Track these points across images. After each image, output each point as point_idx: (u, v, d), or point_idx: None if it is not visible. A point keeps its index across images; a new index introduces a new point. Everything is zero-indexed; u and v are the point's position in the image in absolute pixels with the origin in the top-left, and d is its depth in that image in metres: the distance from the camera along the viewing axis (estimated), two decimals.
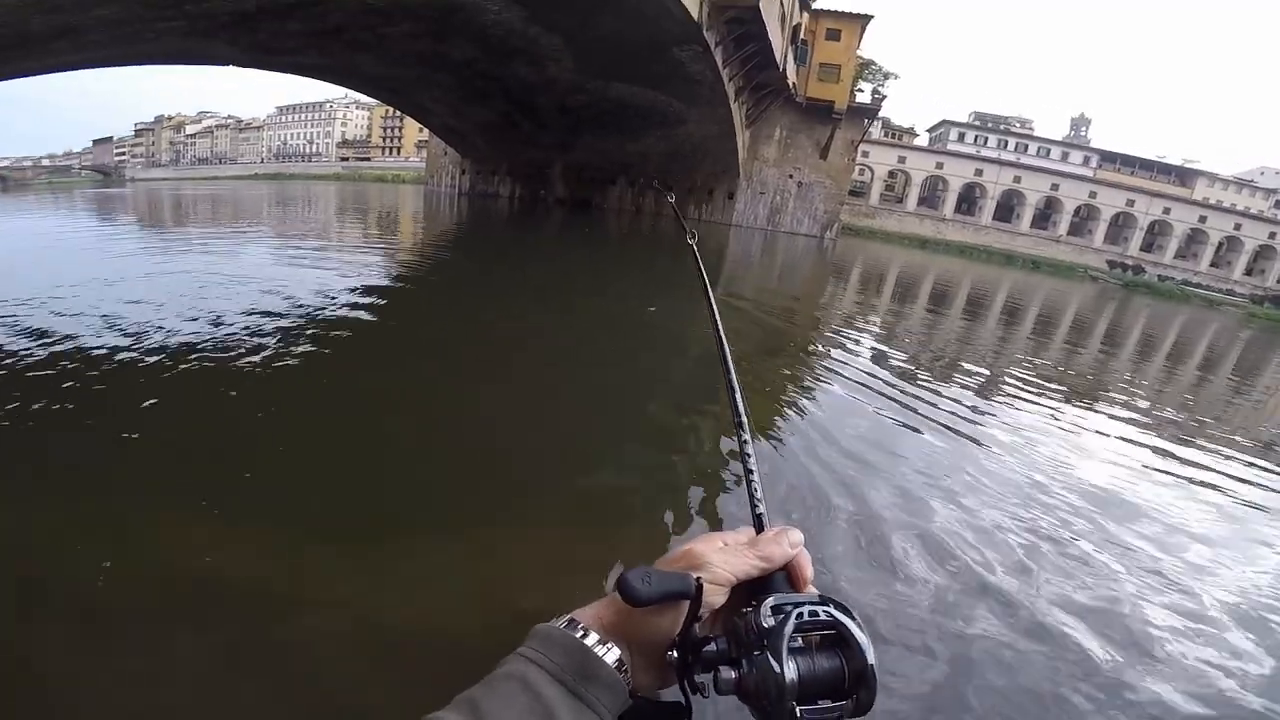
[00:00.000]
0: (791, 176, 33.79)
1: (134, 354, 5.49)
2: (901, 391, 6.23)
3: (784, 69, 26.97)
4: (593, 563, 3.07)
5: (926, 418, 5.53)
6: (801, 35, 29.91)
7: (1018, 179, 51.02)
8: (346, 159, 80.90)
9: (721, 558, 0.56)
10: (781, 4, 24.16)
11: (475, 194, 40.38)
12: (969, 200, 52.65)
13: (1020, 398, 6.92)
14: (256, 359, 5.52)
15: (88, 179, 62.77)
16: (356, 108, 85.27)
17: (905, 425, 5.28)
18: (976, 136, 61.52)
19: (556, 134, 31.01)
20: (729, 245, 24.24)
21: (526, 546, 3.20)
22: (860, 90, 34.83)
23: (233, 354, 5.60)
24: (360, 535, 3.15)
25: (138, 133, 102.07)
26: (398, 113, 58.52)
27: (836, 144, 32.98)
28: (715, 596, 0.54)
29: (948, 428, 5.37)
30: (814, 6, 30.98)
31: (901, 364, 7.65)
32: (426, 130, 42.39)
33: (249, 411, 4.60)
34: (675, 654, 0.53)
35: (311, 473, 3.77)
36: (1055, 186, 51.04)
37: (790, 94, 30.64)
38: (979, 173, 51.49)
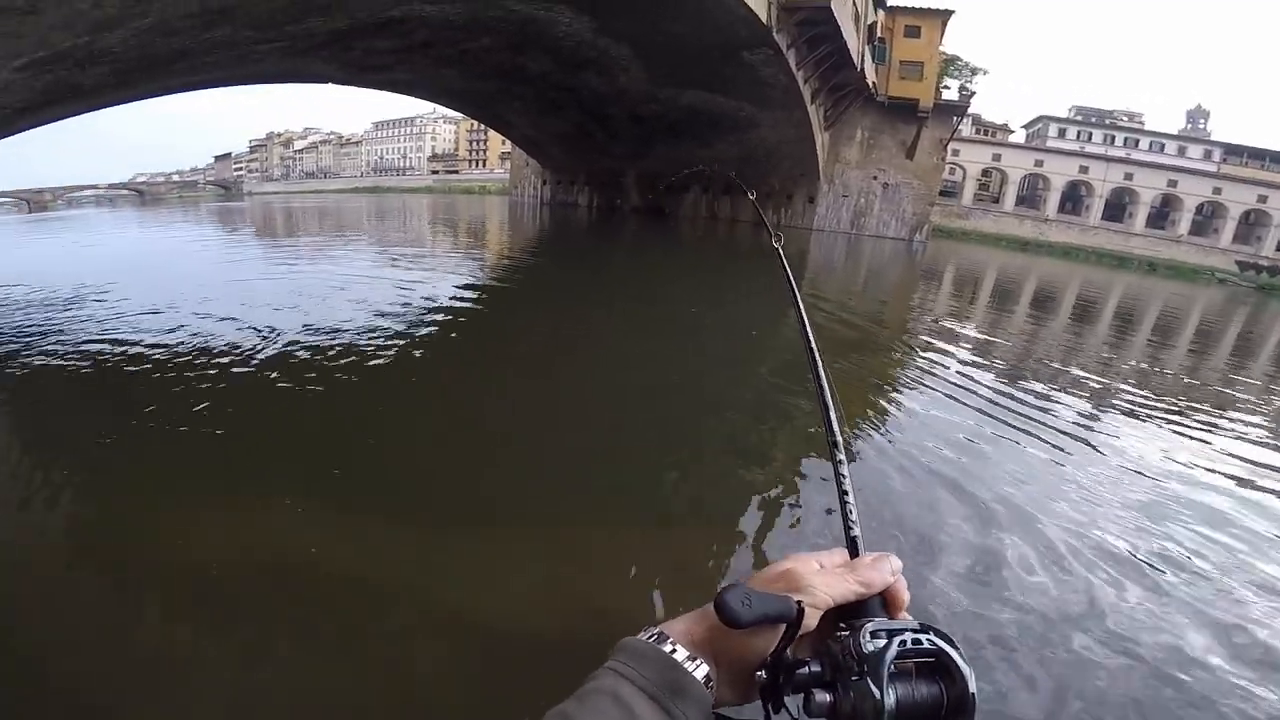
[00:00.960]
0: (876, 178, 32.45)
1: (247, 351, 6.05)
2: (999, 401, 5.84)
3: (861, 68, 26.09)
4: (673, 569, 3.07)
5: (1027, 430, 5.15)
6: (878, 34, 28.76)
7: (1129, 176, 46.65)
8: (437, 172, 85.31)
9: (822, 581, 0.56)
10: (854, 3, 23.36)
11: (556, 203, 41.50)
12: (1073, 199, 48.78)
13: (1136, 409, 6.30)
14: (354, 358, 5.97)
15: (211, 193, 69.49)
16: (444, 122, 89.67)
17: (1003, 437, 4.94)
18: (1079, 132, 56.89)
19: (629, 143, 31.28)
20: (810, 250, 23.70)
21: (608, 548, 3.24)
22: (946, 87, 33.10)
23: (332, 353, 6.07)
24: (446, 528, 3.27)
25: (252, 149, 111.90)
26: (482, 126, 61.10)
27: (923, 143, 31.44)
28: (810, 620, 0.54)
29: (1052, 443, 4.94)
30: (889, 4, 29.82)
31: (999, 372, 7.21)
32: (509, 142, 43.96)
33: (343, 407, 4.96)
34: (765, 674, 0.53)
35: (398, 468, 3.98)
36: (1173, 183, 46.31)
37: (870, 94, 29.52)
38: (1084, 170, 47.53)
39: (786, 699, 0.52)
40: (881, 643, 0.49)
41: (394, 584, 2.80)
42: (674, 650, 0.52)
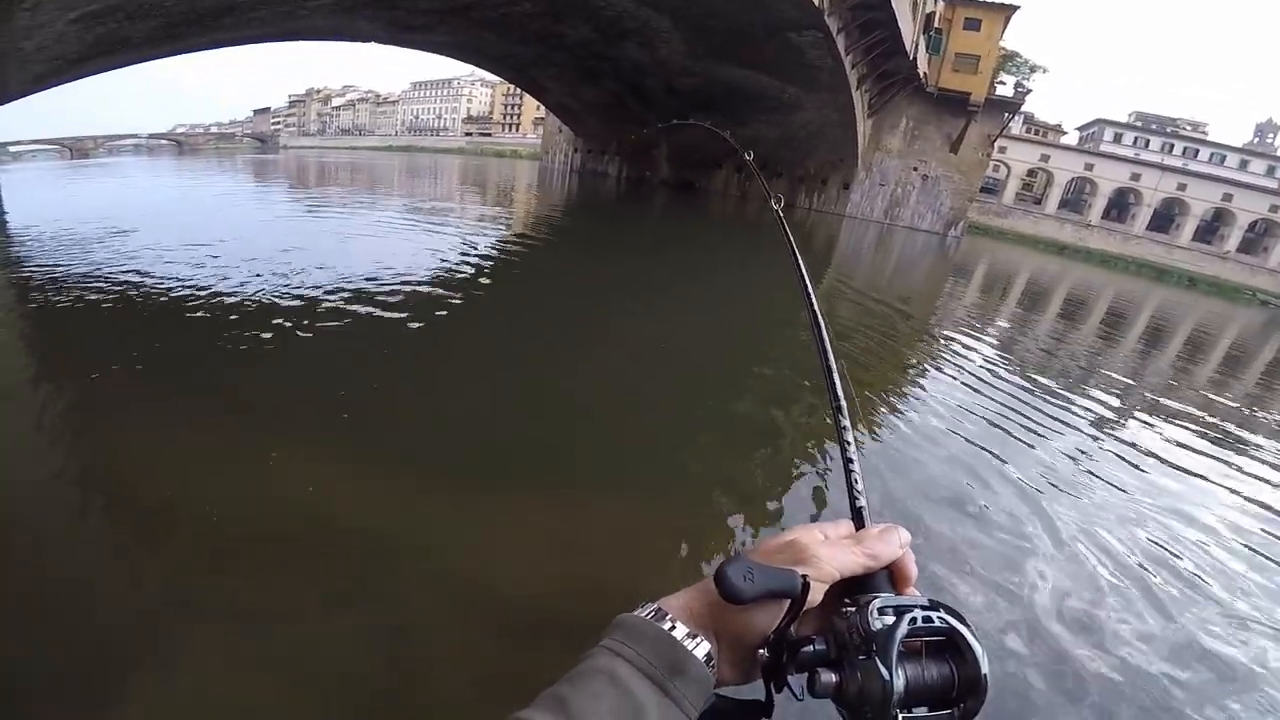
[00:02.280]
0: (916, 169, 31.65)
1: (275, 299, 6.18)
2: (1016, 402, 5.89)
3: (914, 57, 25.26)
4: (681, 536, 3.10)
5: (1040, 431, 5.23)
6: (936, 24, 27.77)
7: (1182, 186, 44.77)
8: (470, 134, 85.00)
9: (827, 553, 0.53)
10: None
11: (585, 171, 41.27)
12: (1120, 206, 47.05)
13: (1152, 422, 6.34)
14: (382, 312, 6.05)
15: (248, 145, 70.13)
16: (481, 85, 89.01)
17: (1015, 436, 5.01)
18: (1136, 138, 54.66)
19: (664, 115, 30.62)
20: (840, 237, 23.32)
21: (617, 514, 3.27)
22: (1001, 83, 31.94)
23: (363, 306, 6.16)
24: (460, 488, 3.30)
25: (291, 104, 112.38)
26: (518, 91, 60.56)
27: (970, 138, 30.49)
28: (815, 594, 0.51)
29: (1068, 447, 5.02)
30: None
31: (1020, 375, 7.20)
32: (543, 108, 43.61)
33: (368, 361, 5.02)
34: (767, 652, 0.50)
35: (419, 423, 4.05)
36: (1228, 197, 44.37)
37: (920, 83, 28.61)
38: (1135, 177, 45.71)
39: (790, 678, 0.50)
40: (890, 620, 0.47)
41: (406, 541, 2.82)
42: (673, 627, 0.50)
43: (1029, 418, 5.44)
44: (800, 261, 0.95)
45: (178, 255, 7.62)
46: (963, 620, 0.49)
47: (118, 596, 2.44)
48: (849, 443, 0.65)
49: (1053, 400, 6.20)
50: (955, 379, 6.28)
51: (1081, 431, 5.46)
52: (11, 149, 39.84)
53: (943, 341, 8.07)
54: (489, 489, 3.32)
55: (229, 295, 6.14)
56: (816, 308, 0.83)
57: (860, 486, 0.62)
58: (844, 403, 0.69)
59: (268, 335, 5.19)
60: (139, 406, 3.91)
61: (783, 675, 0.50)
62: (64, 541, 2.74)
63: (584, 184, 32.48)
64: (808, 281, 0.90)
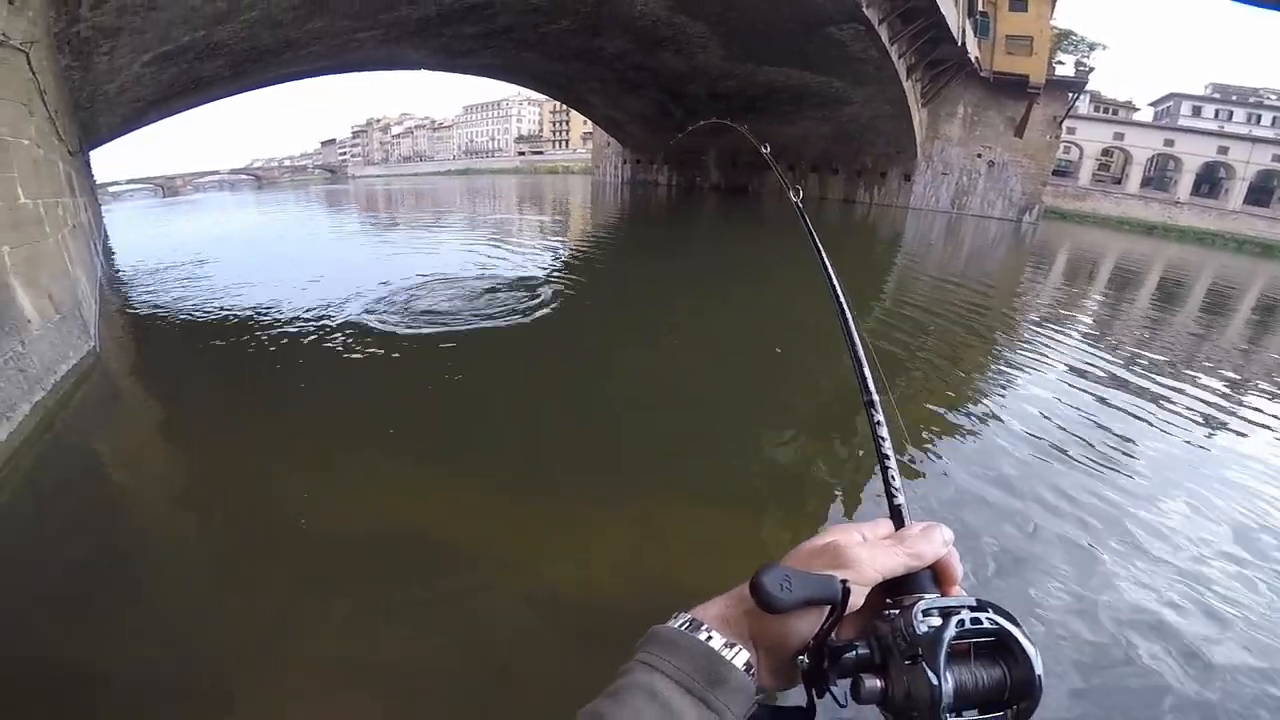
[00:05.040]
0: (980, 156, 30.30)
1: (367, 324, 6.60)
2: (1111, 392, 5.61)
3: (962, 43, 24.28)
4: (742, 539, 3.17)
5: (1143, 419, 5.01)
6: (980, 7, 26.55)
7: (1278, 158, 41.02)
8: (523, 153, 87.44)
9: (868, 554, 0.51)
10: None
11: (636, 182, 41.60)
12: (1210, 182, 43.45)
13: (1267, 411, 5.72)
14: (442, 330, 6.35)
15: (319, 177, 74.41)
16: (529, 104, 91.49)
17: (1111, 429, 4.73)
18: (1217, 111, 50.55)
19: (708, 121, 30.63)
20: (905, 230, 22.62)
21: (679, 519, 3.34)
22: (1060, 63, 30.23)
23: (429, 325, 6.49)
24: (527, 496, 3.46)
25: (354, 134, 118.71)
26: (564, 107, 61.83)
27: (1035, 120, 28.93)
28: (856, 598, 0.49)
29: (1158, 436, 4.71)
30: None
31: (1112, 364, 6.76)
32: (590, 122, 44.28)
33: (433, 376, 5.27)
34: (808, 658, 0.48)
35: (488, 435, 4.25)
36: None
37: (973, 69, 27.40)
38: (1223, 151, 42.10)
39: (832, 685, 0.47)
40: (936, 622, 0.45)
41: (487, 552, 2.96)
42: (710, 638, 0.48)
43: (1125, 410, 5.18)
44: (823, 253, 0.96)
45: (285, 286, 8.32)
46: (1013, 620, 0.47)
47: (227, 611, 2.62)
48: (884, 439, 0.63)
49: (1156, 390, 5.87)
50: (1037, 372, 6.03)
51: (1188, 423, 5.05)
52: (111, 189, 43.68)
53: (1026, 336, 7.71)
54: (563, 501, 3.44)
55: (325, 321, 6.68)
56: (843, 301, 0.82)
57: (898, 484, 0.59)
58: (876, 397, 0.66)
59: (359, 357, 5.64)
60: (241, 428, 4.32)
61: (825, 681, 0.48)
62: (176, 560, 2.98)
63: (635, 195, 32.87)
64: (832, 273, 0.90)
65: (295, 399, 4.85)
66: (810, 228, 1.07)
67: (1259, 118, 49.45)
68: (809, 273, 0.98)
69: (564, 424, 4.45)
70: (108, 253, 12.21)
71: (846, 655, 0.46)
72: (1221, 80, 59.83)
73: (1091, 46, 47.22)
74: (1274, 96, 54.51)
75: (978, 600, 0.47)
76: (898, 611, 0.48)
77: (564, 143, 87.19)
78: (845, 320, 0.78)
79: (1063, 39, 39.88)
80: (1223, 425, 5.17)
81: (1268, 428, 5.17)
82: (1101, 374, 6.13)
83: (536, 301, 7.49)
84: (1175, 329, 9.49)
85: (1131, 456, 4.29)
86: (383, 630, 2.48)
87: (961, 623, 0.45)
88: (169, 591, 2.74)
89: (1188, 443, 4.65)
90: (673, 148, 32.68)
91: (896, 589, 0.51)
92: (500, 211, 24.24)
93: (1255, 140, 42.80)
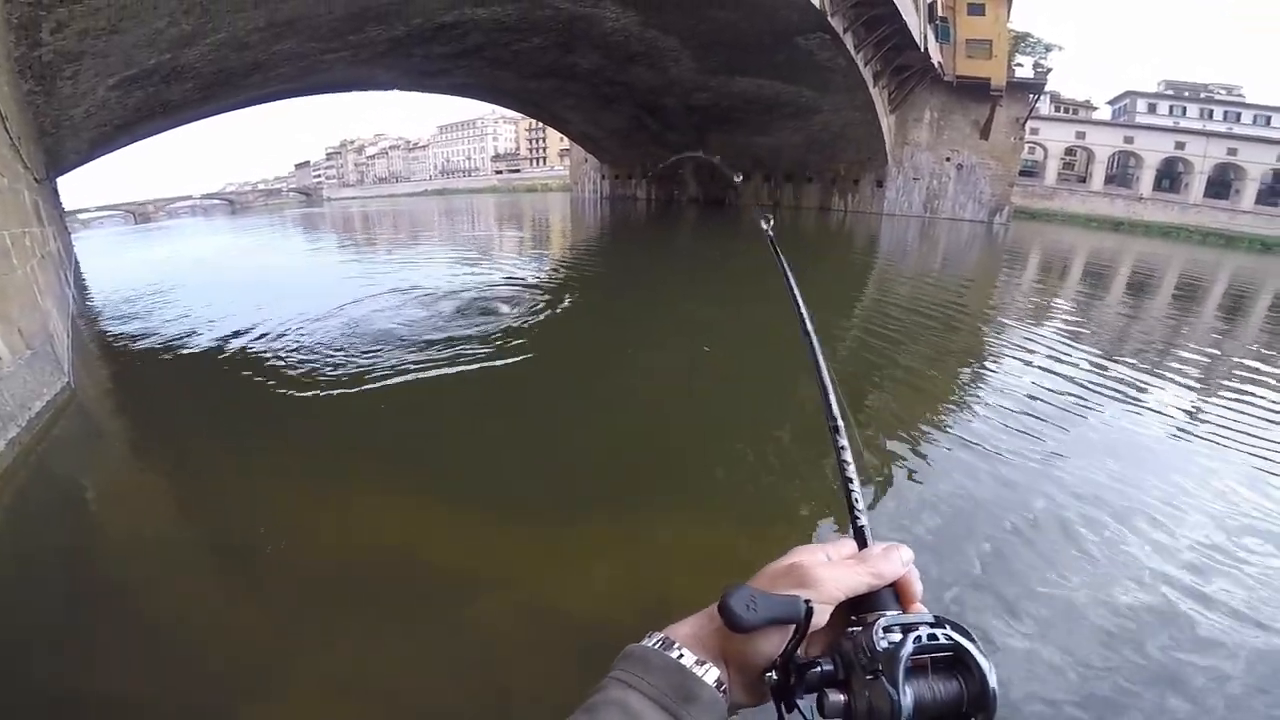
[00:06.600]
0: (949, 159, 30.94)
1: (333, 343, 6.57)
2: (1096, 382, 5.86)
3: (925, 48, 24.96)
4: (735, 554, 3.17)
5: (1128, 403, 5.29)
6: (939, 12, 27.29)
7: (1233, 151, 42.42)
8: (500, 171, 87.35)
9: (830, 574, 0.53)
10: None
11: (615, 197, 41.81)
12: (1170, 177, 44.80)
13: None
14: (432, 355, 6.25)
15: (293, 200, 73.82)
16: (504, 122, 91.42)
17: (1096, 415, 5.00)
18: (1171, 107, 52.35)
19: (684, 133, 31.09)
20: (880, 235, 22.96)
21: (672, 537, 3.36)
22: (1019, 65, 31.17)
23: (420, 352, 6.37)
24: (526, 519, 3.47)
25: (329, 156, 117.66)
26: (540, 124, 62.09)
27: (999, 122, 29.68)
28: (820, 617, 0.51)
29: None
30: None
31: (1093, 355, 7.05)
32: (567, 139, 44.53)
33: (421, 399, 5.22)
34: (775, 674, 0.50)
35: (485, 461, 4.22)
36: None
37: (937, 74, 28.11)
38: (1180, 146, 43.52)
39: (799, 700, 0.49)
40: (896, 638, 0.47)
41: (484, 573, 2.97)
42: (681, 655, 0.50)
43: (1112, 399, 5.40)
44: (791, 279, 0.98)
45: (261, 313, 8.15)
46: (969, 636, 0.49)
47: (217, 641, 2.61)
48: (847, 462, 0.65)
49: (1136, 380, 6.10)
50: (1014, 376, 6.12)
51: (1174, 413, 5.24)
52: (81, 216, 42.92)
53: (1006, 334, 7.92)
54: (554, 518, 3.47)
55: (302, 345, 6.59)
56: (809, 325, 0.85)
57: (861, 506, 0.62)
58: (840, 421, 0.68)
59: (341, 380, 5.56)
60: (221, 458, 4.27)
61: (792, 697, 0.50)
62: (160, 591, 2.95)
63: (615, 211, 33.04)
64: (799, 297, 0.92)
65: (276, 426, 4.79)
66: (781, 259, 1.09)
67: (1211, 113, 51.22)
68: (782, 297, 0.98)
69: (556, 448, 4.49)
70: (79, 282, 11.95)
71: (812, 671, 0.48)
72: (1173, 78, 61.74)
73: (1048, 48, 48.77)
74: (1223, 92, 56.63)
75: (936, 617, 0.50)
76: (860, 628, 0.49)
77: (541, 160, 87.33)
78: (812, 347, 0.81)
79: (1020, 41, 41.13)
80: (1195, 434, 5.05)
81: (1245, 433, 5.04)
82: (1073, 381, 6.00)
83: (518, 321, 7.46)
84: (1150, 323, 9.74)
85: (1104, 466, 4.19)
86: (378, 652, 2.47)
87: (919, 639, 0.47)
88: (155, 622, 2.71)
89: (1170, 446, 4.70)
90: (653, 175, 33.18)
91: (860, 606, 0.53)
92: (480, 229, 24.21)
93: (1210, 135, 44.27)
